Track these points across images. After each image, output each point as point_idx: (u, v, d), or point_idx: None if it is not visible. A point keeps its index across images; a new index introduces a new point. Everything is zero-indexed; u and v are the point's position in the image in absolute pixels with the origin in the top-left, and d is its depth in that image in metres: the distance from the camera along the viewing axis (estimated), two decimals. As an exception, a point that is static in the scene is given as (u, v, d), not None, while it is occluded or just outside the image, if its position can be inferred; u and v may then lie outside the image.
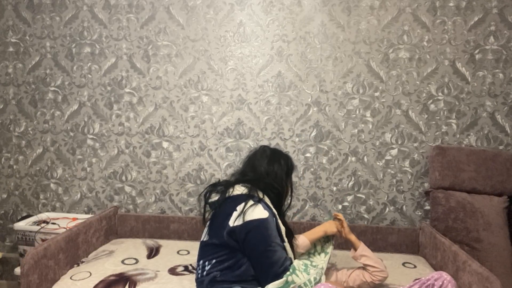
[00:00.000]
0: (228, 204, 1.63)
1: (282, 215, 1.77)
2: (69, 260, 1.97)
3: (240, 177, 1.78)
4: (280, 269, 1.56)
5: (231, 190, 1.66)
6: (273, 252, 1.57)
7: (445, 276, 1.52)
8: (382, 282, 1.79)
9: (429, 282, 1.53)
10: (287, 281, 1.54)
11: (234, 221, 1.57)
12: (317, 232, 1.82)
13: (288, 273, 1.56)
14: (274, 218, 1.64)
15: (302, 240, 1.79)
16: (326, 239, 1.85)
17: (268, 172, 1.74)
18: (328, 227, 1.82)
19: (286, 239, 1.66)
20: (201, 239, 1.70)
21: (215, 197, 1.69)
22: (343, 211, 2.55)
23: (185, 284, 1.80)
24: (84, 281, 1.81)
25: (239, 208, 1.58)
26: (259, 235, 1.56)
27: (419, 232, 2.41)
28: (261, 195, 1.65)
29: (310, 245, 1.80)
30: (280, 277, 1.54)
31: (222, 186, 1.71)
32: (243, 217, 1.56)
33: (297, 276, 1.56)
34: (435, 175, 2.33)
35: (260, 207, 1.59)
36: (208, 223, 1.71)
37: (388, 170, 2.51)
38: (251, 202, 1.59)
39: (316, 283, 1.58)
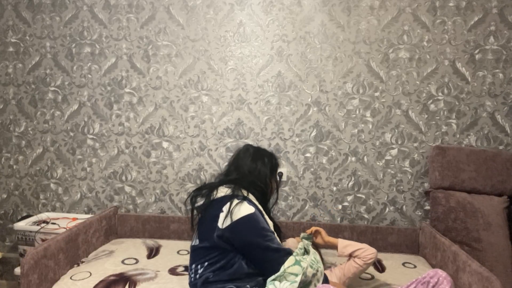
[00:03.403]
0: (214, 206, 1.64)
1: (268, 211, 1.79)
2: (69, 260, 1.97)
3: (224, 177, 1.79)
4: (284, 248, 1.60)
5: (215, 192, 1.67)
6: (272, 240, 1.60)
7: (440, 273, 1.54)
8: (375, 259, 1.80)
9: (425, 280, 1.55)
10: (296, 260, 1.55)
11: (222, 222, 1.58)
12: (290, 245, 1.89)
13: (294, 253, 1.59)
14: (260, 214, 1.65)
15: (292, 241, 1.88)
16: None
17: (250, 170, 1.75)
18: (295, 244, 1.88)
19: (274, 233, 1.68)
20: (191, 244, 1.71)
21: (201, 201, 1.70)
22: (343, 211, 2.55)
23: (185, 284, 1.80)
24: (84, 281, 1.81)
25: (225, 208, 1.59)
26: (252, 229, 1.58)
27: (419, 232, 2.41)
28: (245, 193, 1.66)
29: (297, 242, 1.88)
30: (287, 257, 1.56)
31: (207, 189, 1.71)
32: (231, 217, 1.57)
33: (301, 257, 1.59)
34: (435, 175, 2.33)
35: (245, 204, 1.60)
36: (196, 228, 1.72)
37: (388, 170, 2.51)
38: (236, 201, 1.60)
39: (318, 262, 1.61)
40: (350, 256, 1.82)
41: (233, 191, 1.65)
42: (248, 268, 1.60)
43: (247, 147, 1.86)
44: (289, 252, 1.59)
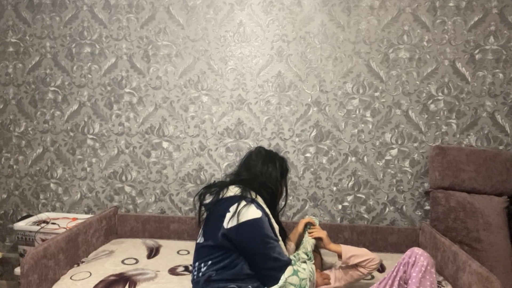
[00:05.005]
0: (221, 205, 1.64)
1: (276, 215, 1.79)
2: (69, 260, 1.97)
3: (235, 177, 1.80)
4: (283, 259, 1.60)
5: (224, 191, 1.68)
6: (274, 248, 1.59)
7: (417, 251, 1.62)
8: (378, 267, 1.82)
9: (404, 261, 1.62)
10: (294, 270, 1.57)
11: (228, 222, 1.58)
12: (293, 233, 1.94)
13: (293, 262, 1.61)
14: (267, 218, 1.65)
15: (288, 244, 1.87)
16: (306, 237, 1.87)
17: (262, 172, 1.76)
18: (298, 225, 1.94)
19: (280, 238, 1.68)
20: (196, 241, 1.71)
21: (209, 199, 1.70)
22: (343, 211, 2.55)
23: (185, 284, 1.80)
24: (84, 281, 1.81)
25: (232, 209, 1.59)
26: (255, 234, 1.58)
27: (419, 232, 2.41)
28: (253, 195, 1.66)
29: (295, 247, 1.90)
30: (286, 268, 1.57)
31: (217, 187, 1.72)
32: (237, 218, 1.57)
33: (299, 267, 1.60)
34: (435, 175, 2.33)
35: (253, 207, 1.60)
36: (202, 225, 1.72)
37: (388, 170, 2.51)
38: (243, 203, 1.59)
39: (312, 273, 1.62)
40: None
41: (242, 192, 1.65)
42: (251, 270, 1.60)
43: (259, 149, 1.86)
44: (288, 263, 1.59)
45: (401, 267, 1.61)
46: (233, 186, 1.69)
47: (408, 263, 1.60)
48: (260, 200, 1.68)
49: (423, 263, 1.58)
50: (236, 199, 1.62)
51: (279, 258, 1.58)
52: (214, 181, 1.81)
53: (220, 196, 1.67)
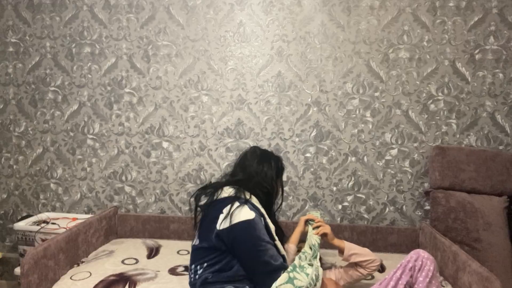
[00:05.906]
0: (216, 206, 1.64)
1: (272, 215, 1.78)
2: (69, 260, 1.97)
3: (230, 178, 1.80)
4: (275, 264, 1.56)
5: (219, 192, 1.67)
6: (265, 251, 1.57)
7: (422, 254, 1.57)
8: (378, 268, 1.81)
9: (410, 265, 1.56)
10: (289, 277, 1.52)
11: (220, 224, 1.58)
12: (294, 233, 1.89)
13: (289, 269, 1.55)
14: (262, 218, 1.64)
15: (288, 246, 1.84)
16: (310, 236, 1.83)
17: (257, 171, 1.75)
18: (299, 224, 1.90)
19: (276, 238, 1.67)
20: (192, 243, 1.71)
21: (204, 200, 1.70)
22: (343, 211, 2.55)
23: (185, 284, 1.80)
24: (84, 281, 1.81)
25: (225, 210, 1.59)
26: (247, 236, 1.56)
27: (419, 232, 2.41)
28: (248, 196, 1.65)
29: (296, 248, 1.84)
30: (277, 273, 1.53)
31: (212, 188, 1.71)
32: (230, 220, 1.56)
33: (298, 273, 1.55)
34: (435, 175, 2.33)
35: (246, 208, 1.59)
36: (198, 227, 1.72)
37: (388, 170, 2.51)
38: (237, 204, 1.59)
39: (317, 279, 1.57)
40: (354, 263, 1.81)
41: (236, 193, 1.64)
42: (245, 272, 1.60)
43: (254, 149, 1.86)
44: (280, 268, 1.55)
45: (407, 271, 1.55)
46: (227, 187, 1.69)
47: (415, 267, 1.55)
48: (255, 200, 1.67)
49: (430, 267, 1.54)
50: (230, 200, 1.61)
51: (270, 262, 1.55)
52: (210, 182, 1.81)
53: (215, 197, 1.66)
